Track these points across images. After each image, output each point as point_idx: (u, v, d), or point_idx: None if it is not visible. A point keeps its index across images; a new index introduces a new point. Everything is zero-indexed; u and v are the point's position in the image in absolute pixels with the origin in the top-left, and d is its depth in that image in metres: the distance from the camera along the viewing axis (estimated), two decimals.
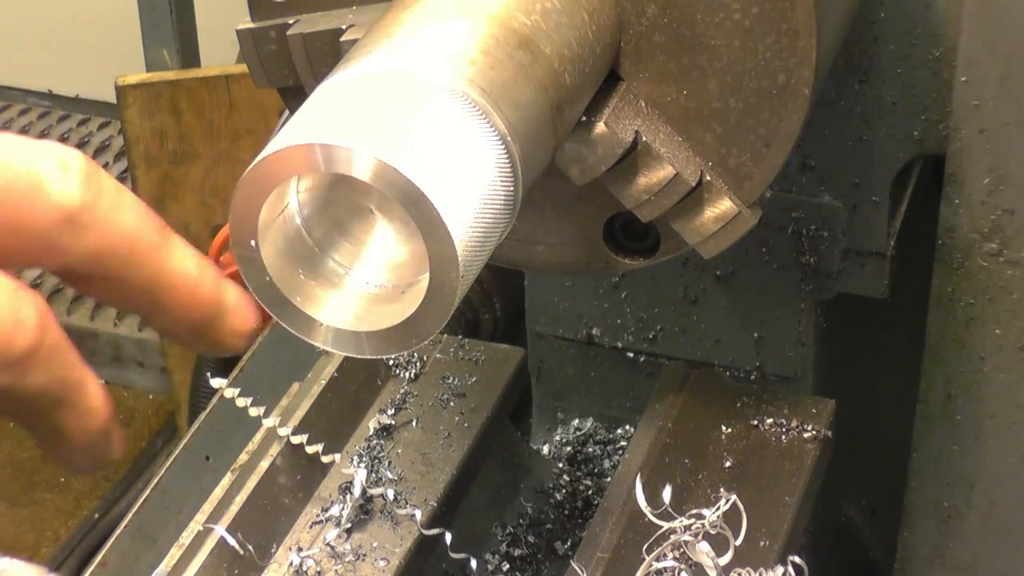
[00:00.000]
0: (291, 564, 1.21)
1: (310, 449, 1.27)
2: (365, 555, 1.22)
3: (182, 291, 0.75)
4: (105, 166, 4.12)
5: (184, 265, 0.75)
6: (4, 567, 0.77)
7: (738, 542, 1.12)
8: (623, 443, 1.52)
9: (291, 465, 1.27)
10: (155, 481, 1.60)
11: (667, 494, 1.14)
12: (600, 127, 0.99)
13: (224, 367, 2.52)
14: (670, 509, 1.14)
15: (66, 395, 0.73)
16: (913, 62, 1.25)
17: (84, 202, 0.69)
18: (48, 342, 0.69)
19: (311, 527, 1.25)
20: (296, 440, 1.27)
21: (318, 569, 1.21)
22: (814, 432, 1.28)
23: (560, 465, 1.49)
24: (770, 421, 1.29)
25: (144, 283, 0.74)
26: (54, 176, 0.68)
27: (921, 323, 1.38)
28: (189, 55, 3.20)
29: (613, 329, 1.49)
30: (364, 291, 0.82)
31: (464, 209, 0.78)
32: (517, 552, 1.37)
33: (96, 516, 3.26)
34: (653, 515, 1.13)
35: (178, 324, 0.77)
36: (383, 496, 1.25)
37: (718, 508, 1.12)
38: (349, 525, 1.24)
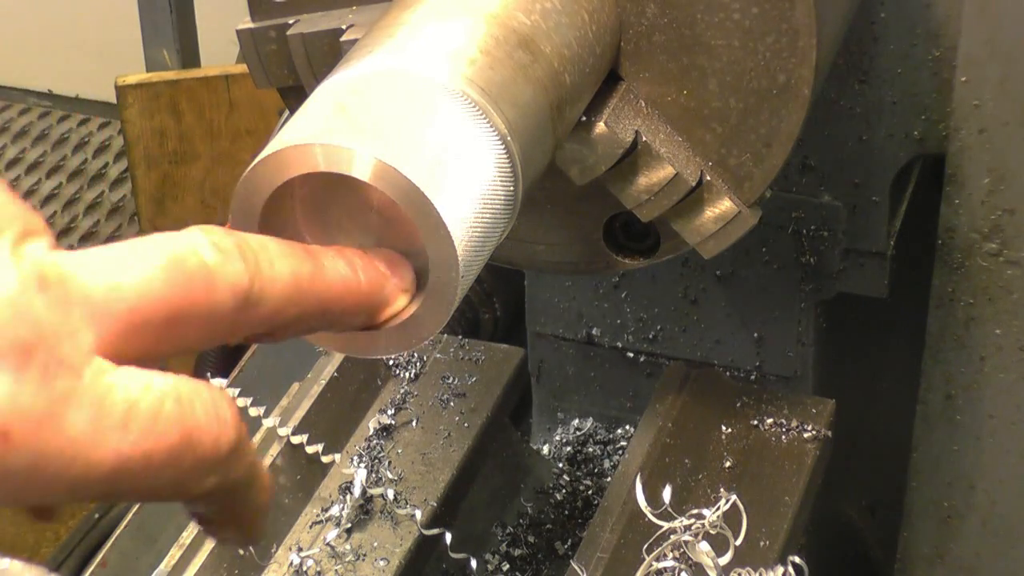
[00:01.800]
0: (291, 564, 1.21)
1: (310, 449, 1.27)
2: (365, 555, 1.22)
3: (350, 294, 0.76)
4: (105, 166, 4.12)
5: (338, 270, 0.75)
6: (4, 567, 0.77)
7: (738, 542, 1.12)
8: (623, 443, 1.52)
9: (291, 465, 1.27)
10: None
11: (667, 494, 1.14)
12: (600, 127, 0.99)
13: (224, 367, 2.52)
14: (670, 509, 1.13)
15: (253, 476, 0.73)
16: (913, 62, 1.25)
17: (251, 276, 0.69)
18: (242, 431, 0.70)
19: (311, 527, 1.25)
20: (296, 440, 1.27)
21: (318, 569, 1.21)
22: (814, 432, 1.28)
23: (560, 465, 1.49)
24: (770, 421, 1.29)
25: (316, 310, 0.74)
26: (217, 260, 0.68)
27: (921, 323, 1.38)
28: (189, 55, 3.20)
29: (613, 329, 1.49)
30: None
31: (464, 209, 0.78)
32: (517, 552, 1.37)
33: (96, 516, 3.25)
34: (653, 515, 1.13)
35: (358, 319, 0.77)
36: (383, 496, 1.25)
37: (718, 508, 1.12)
38: (349, 525, 1.24)
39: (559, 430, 1.55)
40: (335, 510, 1.25)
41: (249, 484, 0.73)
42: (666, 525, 1.13)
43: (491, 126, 0.82)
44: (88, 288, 0.65)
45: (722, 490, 1.20)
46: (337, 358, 1.36)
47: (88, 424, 0.64)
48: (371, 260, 0.77)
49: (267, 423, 1.30)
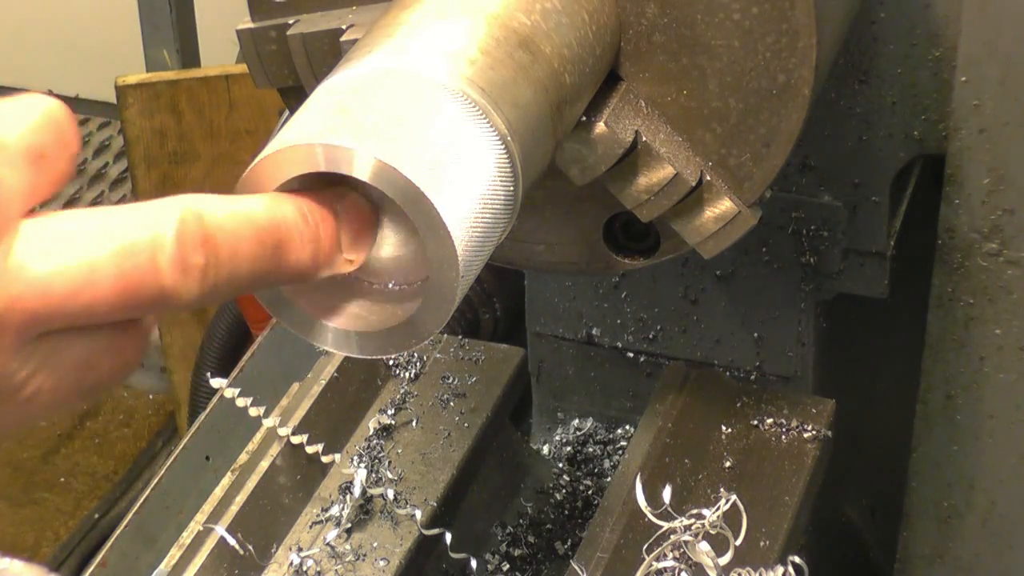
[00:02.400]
0: (291, 564, 1.21)
1: (310, 449, 1.27)
2: (365, 555, 1.22)
3: (299, 277, 0.76)
4: (105, 166, 4.12)
5: (300, 260, 0.75)
6: (4, 567, 0.77)
7: (738, 542, 1.12)
8: (623, 443, 1.52)
9: (291, 465, 1.27)
10: (155, 481, 1.60)
11: (667, 494, 1.14)
12: (600, 127, 0.99)
13: (224, 367, 2.52)
14: (670, 509, 1.13)
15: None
16: (913, 62, 1.25)
17: (200, 295, 0.70)
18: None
19: (311, 527, 1.25)
20: (296, 440, 1.27)
21: (318, 569, 1.21)
22: (814, 432, 1.28)
23: (560, 465, 1.49)
24: (770, 421, 1.29)
25: (273, 282, 0.76)
26: (174, 282, 0.69)
27: (921, 323, 1.38)
28: (189, 55, 3.20)
29: (613, 329, 1.49)
30: (364, 291, 0.82)
31: (464, 209, 0.78)
32: (517, 552, 1.37)
33: (96, 516, 3.26)
34: (653, 515, 1.13)
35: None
36: (383, 496, 1.25)
37: (718, 508, 1.12)
38: (349, 525, 1.24)
39: (559, 430, 1.55)
40: (335, 510, 1.25)
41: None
42: (666, 525, 1.13)
43: (491, 126, 0.82)
44: (26, 313, 0.66)
45: (722, 490, 1.20)
46: (337, 358, 1.35)
47: None
48: (335, 241, 0.77)
49: (267, 423, 1.29)
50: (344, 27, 0.99)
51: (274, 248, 0.73)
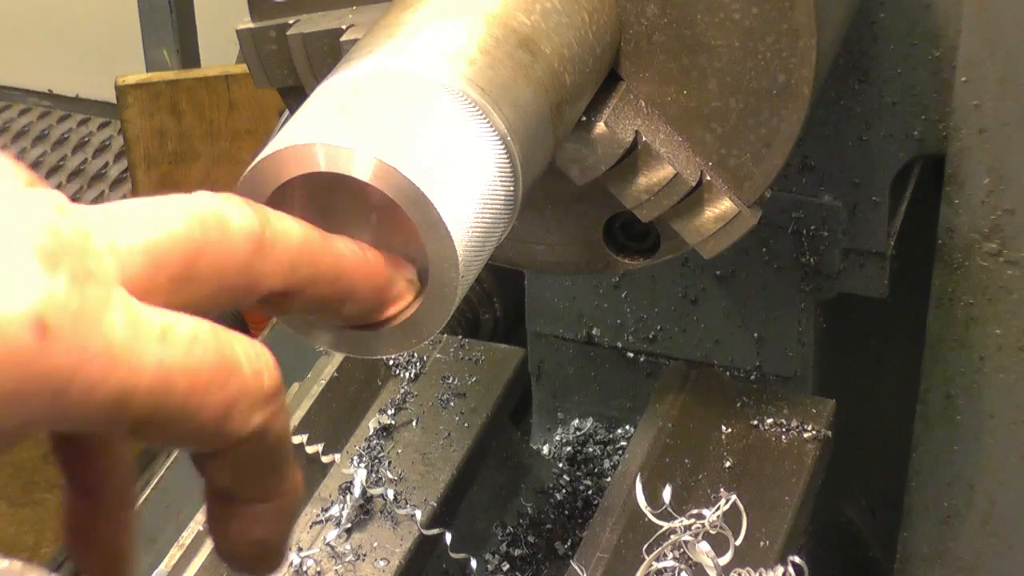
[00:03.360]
0: (291, 564, 1.21)
1: (310, 449, 1.27)
2: (365, 555, 1.22)
3: (359, 268, 0.76)
4: (105, 166, 4.12)
5: (349, 246, 0.76)
6: (4, 567, 0.77)
7: (738, 542, 1.12)
8: (623, 443, 1.52)
9: None
10: (155, 481, 1.60)
11: (667, 494, 1.14)
12: (600, 127, 0.99)
13: None
14: (670, 509, 1.14)
15: (289, 438, 0.74)
16: (913, 62, 1.25)
17: (262, 223, 0.70)
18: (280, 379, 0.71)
19: (311, 527, 1.25)
20: (296, 440, 1.27)
21: (318, 569, 1.22)
22: (814, 432, 1.28)
23: (560, 465, 1.49)
24: (770, 421, 1.29)
25: (330, 275, 0.75)
26: (229, 209, 0.69)
27: (921, 323, 1.38)
28: (189, 55, 3.21)
29: (613, 329, 1.49)
30: None
31: (464, 209, 0.78)
32: (517, 552, 1.37)
33: None
34: (653, 515, 1.13)
35: (366, 302, 0.78)
36: (383, 496, 1.25)
37: (718, 508, 1.12)
38: (349, 525, 1.24)
39: (559, 430, 1.55)
40: (335, 510, 1.25)
41: (286, 442, 0.71)
42: (666, 525, 1.13)
43: (491, 126, 0.82)
44: (104, 220, 0.65)
45: (722, 490, 1.20)
46: (337, 358, 1.36)
47: (125, 329, 0.61)
48: (378, 251, 0.78)
49: None
50: (344, 27, 0.99)
51: (313, 226, 0.74)
